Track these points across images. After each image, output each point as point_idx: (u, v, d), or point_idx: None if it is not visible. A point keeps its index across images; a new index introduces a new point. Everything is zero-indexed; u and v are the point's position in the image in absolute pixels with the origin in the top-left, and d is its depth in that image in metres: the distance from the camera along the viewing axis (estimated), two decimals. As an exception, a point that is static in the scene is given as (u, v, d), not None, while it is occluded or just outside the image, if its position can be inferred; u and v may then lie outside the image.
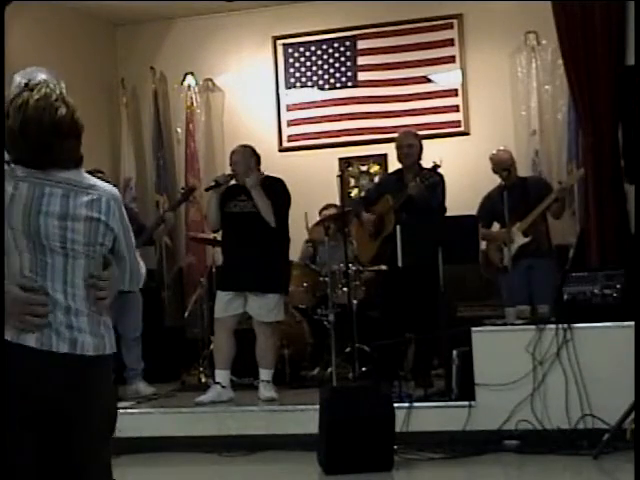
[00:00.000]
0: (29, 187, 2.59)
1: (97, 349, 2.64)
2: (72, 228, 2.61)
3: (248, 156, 6.92)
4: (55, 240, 2.60)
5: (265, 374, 6.80)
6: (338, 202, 7.38)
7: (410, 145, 7.20)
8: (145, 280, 2.90)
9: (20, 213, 2.57)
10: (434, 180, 6.93)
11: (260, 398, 6.72)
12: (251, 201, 6.77)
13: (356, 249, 7.59)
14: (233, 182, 6.94)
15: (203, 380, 7.64)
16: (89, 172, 2.78)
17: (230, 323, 6.80)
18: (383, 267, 7.09)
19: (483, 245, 7.30)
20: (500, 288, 7.34)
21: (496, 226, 7.42)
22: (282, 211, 6.80)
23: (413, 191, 6.88)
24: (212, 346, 7.23)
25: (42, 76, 2.96)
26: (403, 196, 6.97)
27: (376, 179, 9.08)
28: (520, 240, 7.15)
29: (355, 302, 7.00)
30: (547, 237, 7.31)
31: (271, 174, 6.98)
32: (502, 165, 7.33)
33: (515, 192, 7.15)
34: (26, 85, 2.65)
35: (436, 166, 6.97)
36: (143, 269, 2.87)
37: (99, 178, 2.81)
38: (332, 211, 8.06)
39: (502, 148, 7.64)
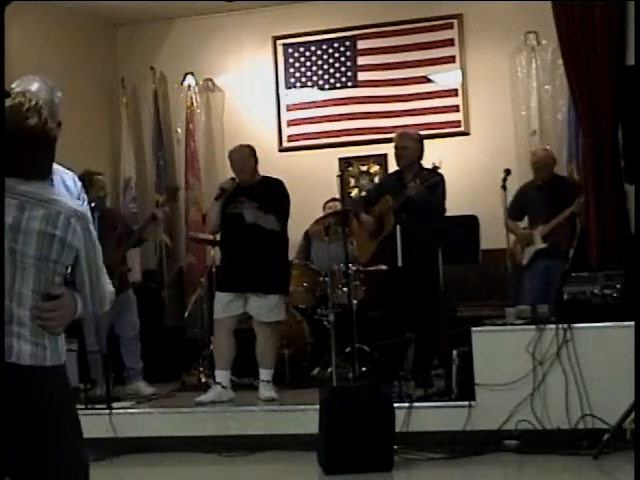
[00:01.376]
0: None
1: (34, 359, 2.56)
2: (23, 241, 2.55)
3: (247, 156, 6.92)
4: (6, 251, 2.55)
5: (265, 374, 6.80)
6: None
7: (404, 147, 7.18)
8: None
9: None
10: (435, 181, 6.91)
11: (260, 398, 6.72)
12: (251, 202, 6.77)
13: (355, 248, 7.59)
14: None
15: (203, 380, 7.63)
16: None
17: (230, 323, 6.80)
18: (383, 267, 7.09)
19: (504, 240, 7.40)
20: (520, 286, 7.36)
21: (526, 220, 7.55)
22: (283, 214, 6.80)
23: (412, 192, 6.86)
24: (212, 346, 7.23)
25: (35, 85, 2.94)
26: (403, 196, 6.96)
27: (376, 179, 9.08)
28: (538, 244, 7.26)
29: (355, 302, 6.99)
30: (570, 240, 7.32)
31: (270, 174, 6.98)
32: (535, 165, 7.46)
33: (545, 192, 7.31)
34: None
35: (436, 167, 6.97)
36: (106, 293, 2.73)
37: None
38: (336, 204, 8.05)
39: (546, 147, 7.95)
